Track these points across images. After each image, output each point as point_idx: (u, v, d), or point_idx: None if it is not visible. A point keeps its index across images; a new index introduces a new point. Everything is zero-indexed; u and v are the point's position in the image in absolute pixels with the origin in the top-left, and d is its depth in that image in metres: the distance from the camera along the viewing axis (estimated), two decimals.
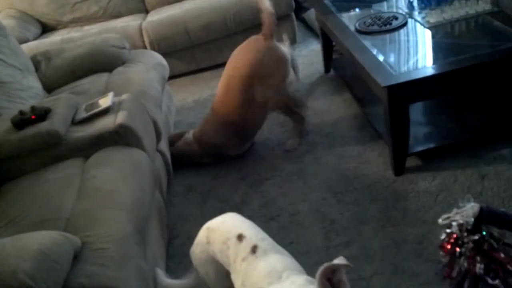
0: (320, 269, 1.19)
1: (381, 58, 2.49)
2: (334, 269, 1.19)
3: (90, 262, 1.56)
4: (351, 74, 3.18)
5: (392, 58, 2.50)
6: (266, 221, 2.40)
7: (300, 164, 2.79)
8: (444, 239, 1.54)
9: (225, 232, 1.57)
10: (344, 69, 3.40)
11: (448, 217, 1.52)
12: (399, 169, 2.48)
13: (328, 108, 3.23)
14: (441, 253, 1.57)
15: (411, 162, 2.51)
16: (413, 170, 2.49)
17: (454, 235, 1.48)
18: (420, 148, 2.51)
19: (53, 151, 2.16)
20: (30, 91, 2.80)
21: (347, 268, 1.22)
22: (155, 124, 2.49)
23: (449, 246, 1.51)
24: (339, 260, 1.20)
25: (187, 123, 3.37)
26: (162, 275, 1.83)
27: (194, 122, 3.31)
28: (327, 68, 3.66)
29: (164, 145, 2.71)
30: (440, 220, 1.58)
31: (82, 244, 1.62)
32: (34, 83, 2.92)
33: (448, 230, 1.52)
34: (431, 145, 2.53)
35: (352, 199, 2.44)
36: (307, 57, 4.05)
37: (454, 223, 1.48)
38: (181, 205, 2.68)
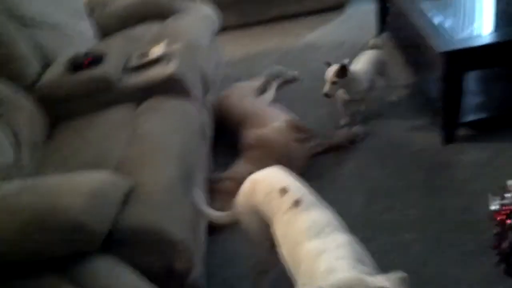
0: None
1: (438, 22, 2.40)
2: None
3: (138, 204, 1.61)
4: (405, 38, 3.07)
5: (450, 23, 2.40)
6: (309, 180, 2.39)
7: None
8: (495, 209, 1.51)
9: (269, 184, 1.58)
10: (397, 32, 3.29)
11: (503, 187, 1.49)
12: (448, 138, 2.43)
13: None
14: (493, 223, 1.54)
15: (461, 131, 2.45)
16: (462, 140, 2.43)
17: (508, 207, 1.45)
18: (471, 118, 2.44)
19: (105, 96, 2.22)
20: (82, 36, 2.84)
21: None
22: (204, 76, 2.49)
23: (501, 217, 1.48)
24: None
25: (234, 77, 3.35)
26: (202, 201, 1.86)
27: (240, 78, 3.29)
28: (380, 31, 3.56)
29: (210, 98, 2.72)
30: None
31: (131, 187, 1.65)
32: (86, 28, 2.95)
33: (502, 201, 1.49)
34: (483, 116, 2.46)
35: (398, 165, 2.41)
36: (358, 18, 3.94)
37: (509, 195, 1.45)
38: (224, 157, 2.65)
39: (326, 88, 2.57)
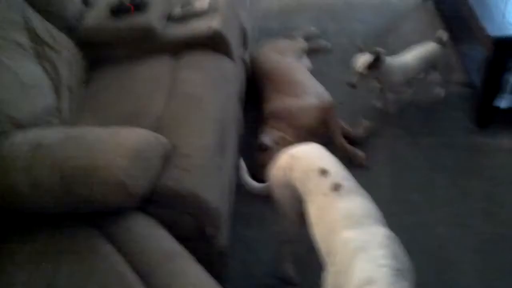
0: None
1: (493, 4, 2.31)
2: None
3: (177, 167, 1.62)
4: (452, 8, 2.92)
5: (507, 8, 2.30)
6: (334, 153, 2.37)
7: None
8: None
9: (309, 162, 1.56)
10: (443, 2, 3.18)
11: None
12: (483, 121, 2.40)
13: (417, 42, 2.86)
14: None
15: (497, 116, 2.41)
16: (497, 125, 2.40)
17: None
18: (509, 104, 2.38)
19: (145, 45, 2.19)
20: None
21: None
22: (244, 32, 2.45)
23: None
24: None
25: (268, 31, 3.27)
26: (245, 171, 1.86)
27: (274, 32, 3.22)
28: None
29: (247, 54, 2.67)
30: None
31: (171, 148, 1.67)
32: None
33: None
34: None
35: (429, 143, 2.40)
36: None
37: None
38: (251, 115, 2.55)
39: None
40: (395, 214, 1.82)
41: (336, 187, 1.43)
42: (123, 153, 1.49)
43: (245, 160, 2.19)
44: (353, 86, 2.31)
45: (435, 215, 2.07)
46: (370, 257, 1.21)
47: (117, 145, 1.52)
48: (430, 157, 2.33)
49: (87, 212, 1.49)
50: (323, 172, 1.49)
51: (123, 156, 1.48)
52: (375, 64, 2.30)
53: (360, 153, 2.33)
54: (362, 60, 2.31)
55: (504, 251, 1.89)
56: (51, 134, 1.61)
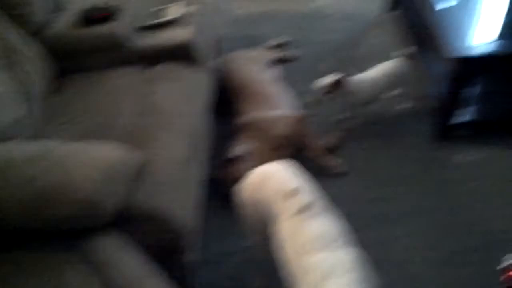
0: None
1: (455, 23, 2.36)
2: None
3: (148, 182, 1.62)
4: (418, 20, 2.88)
5: (468, 26, 2.36)
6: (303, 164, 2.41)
7: None
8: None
9: (279, 182, 1.55)
10: (409, 12, 3.20)
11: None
12: (443, 135, 2.47)
13: (380, 51, 2.95)
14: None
15: (457, 131, 2.49)
16: (457, 140, 2.47)
17: None
18: (466, 119, 2.45)
19: (116, 53, 2.17)
20: None
21: None
22: (217, 41, 2.45)
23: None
24: None
25: (234, 38, 3.27)
26: None
27: (245, 40, 3.23)
28: (393, 6, 3.46)
29: (219, 64, 2.66)
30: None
31: (142, 163, 1.66)
32: None
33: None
34: (480, 119, 2.48)
35: (391, 157, 2.45)
36: None
37: None
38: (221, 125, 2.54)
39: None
40: (358, 228, 1.86)
41: (305, 208, 1.44)
42: (94, 170, 1.47)
43: (215, 172, 2.23)
44: (316, 104, 2.40)
45: (397, 229, 2.12)
46: (339, 281, 1.24)
47: (87, 162, 1.50)
48: (393, 171, 2.39)
49: (59, 230, 1.47)
50: (293, 193, 1.49)
51: (94, 173, 1.46)
52: (338, 85, 2.38)
53: (337, 161, 2.39)
54: (325, 81, 2.39)
55: (467, 265, 1.96)
56: (21, 151, 1.57)
